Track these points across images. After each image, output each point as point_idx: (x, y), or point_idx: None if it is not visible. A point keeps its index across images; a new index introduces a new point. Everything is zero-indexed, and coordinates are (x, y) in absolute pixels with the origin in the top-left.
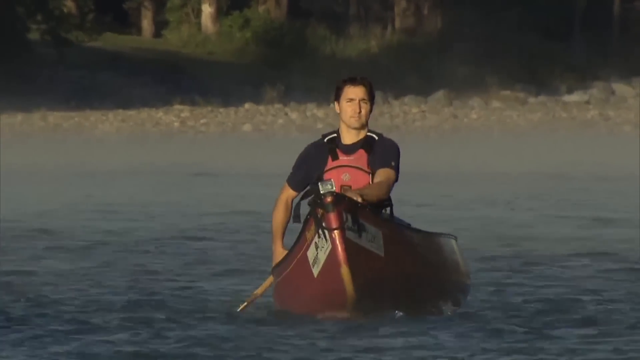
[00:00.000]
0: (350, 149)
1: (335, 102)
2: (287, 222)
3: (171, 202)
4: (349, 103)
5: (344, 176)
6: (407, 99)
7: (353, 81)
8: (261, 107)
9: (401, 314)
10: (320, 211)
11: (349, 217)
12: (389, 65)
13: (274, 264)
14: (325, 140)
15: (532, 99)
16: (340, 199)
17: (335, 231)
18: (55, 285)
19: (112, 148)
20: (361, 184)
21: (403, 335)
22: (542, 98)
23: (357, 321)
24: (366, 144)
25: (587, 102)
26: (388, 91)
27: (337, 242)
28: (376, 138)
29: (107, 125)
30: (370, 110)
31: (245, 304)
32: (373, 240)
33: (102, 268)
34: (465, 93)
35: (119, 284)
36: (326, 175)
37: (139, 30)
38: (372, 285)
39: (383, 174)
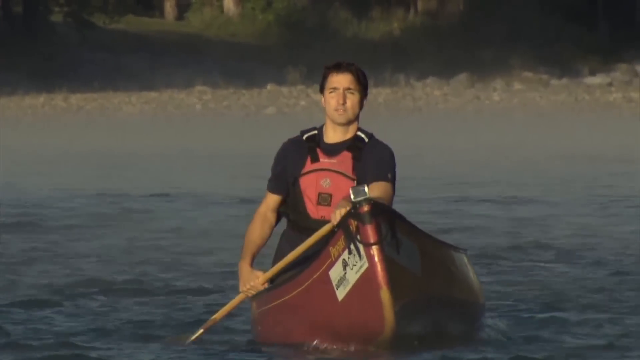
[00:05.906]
0: (333, 150)
1: (321, 95)
2: (264, 239)
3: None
4: (332, 93)
5: (324, 182)
6: (429, 81)
7: (338, 67)
8: (284, 89)
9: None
10: (353, 223)
11: (388, 230)
12: (411, 47)
13: (241, 285)
14: (304, 137)
15: (554, 81)
16: (379, 208)
17: (374, 247)
18: (52, 285)
19: (135, 130)
20: (343, 193)
21: None
22: (564, 80)
23: (370, 349)
24: (353, 145)
25: (610, 85)
26: (410, 73)
27: (376, 259)
28: (366, 140)
29: (130, 107)
30: (361, 104)
31: (201, 331)
32: (411, 257)
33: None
34: (488, 75)
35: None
36: (302, 179)
37: (161, 13)
38: (410, 311)
39: (378, 190)
